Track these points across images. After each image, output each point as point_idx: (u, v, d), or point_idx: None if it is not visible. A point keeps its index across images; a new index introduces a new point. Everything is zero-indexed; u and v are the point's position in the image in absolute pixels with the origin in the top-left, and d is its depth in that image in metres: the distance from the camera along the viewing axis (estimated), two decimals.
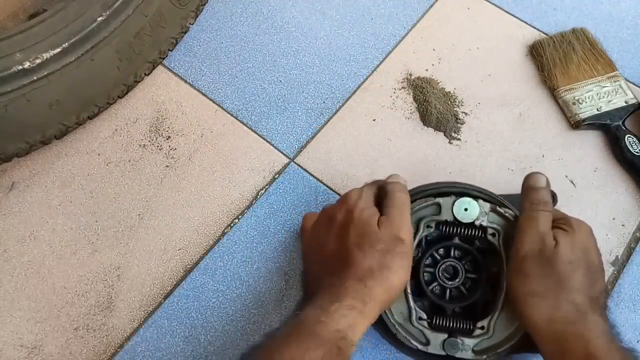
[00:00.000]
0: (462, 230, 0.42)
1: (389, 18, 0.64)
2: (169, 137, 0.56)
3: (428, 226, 0.42)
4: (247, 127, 0.57)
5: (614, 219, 0.51)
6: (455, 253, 0.44)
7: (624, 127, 0.54)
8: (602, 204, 0.52)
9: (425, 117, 0.56)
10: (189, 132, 0.56)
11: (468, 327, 0.41)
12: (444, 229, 0.43)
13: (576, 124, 0.55)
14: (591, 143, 0.55)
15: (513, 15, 0.63)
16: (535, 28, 0.62)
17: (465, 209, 0.41)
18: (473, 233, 0.42)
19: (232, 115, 0.58)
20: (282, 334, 0.37)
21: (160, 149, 0.56)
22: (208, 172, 0.54)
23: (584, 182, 0.53)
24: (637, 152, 0.52)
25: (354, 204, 0.42)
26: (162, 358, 0.46)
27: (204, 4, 0.60)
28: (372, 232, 0.40)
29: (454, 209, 0.42)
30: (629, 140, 0.53)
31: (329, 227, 0.43)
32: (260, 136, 0.56)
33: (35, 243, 0.50)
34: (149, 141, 0.56)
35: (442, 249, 0.44)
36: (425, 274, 0.43)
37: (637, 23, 0.62)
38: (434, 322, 0.41)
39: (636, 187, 0.52)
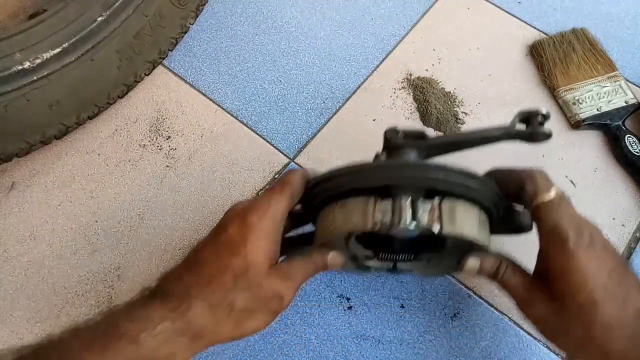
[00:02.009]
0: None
1: (389, 18, 0.64)
2: (169, 137, 0.56)
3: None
4: (247, 127, 0.57)
5: (614, 219, 0.51)
6: None
7: (624, 127, 0.54)
8: (602, 204, 0.52)
9: (425, 117, 0.56)
10: (189, 132, 0.56)
11: (411, 258, 0.41)
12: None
13: (576, 124, 0.55)
14: (591, 143, 0.55)
15: (513, 15, 0.63)
16: (535, 28, 0.62)
17: (403, 232, 0.35)
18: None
19: (232, 115, 0.58)
20: (87, 339, 0.31)
21: (160, 149, 0.56)
22: (208, 172, 0.54)
23: (584, 182, 0.53)
24: (637, 152, 0.52)
25: (267, 227, 0.35)
26: None
27: (204, 4, 0.60)
28: (258, 274, 0.34)
29: (390, 232, 0.35)
30: (629, 140, 0.53)
31: (233, 233, 0.35)
32: (260, 136, 0.56)
33: (35, 243, 0.50)
34: (149, 141, 0.56)
35: None
36: None
37: (637, 23, 0.62)
38: (380, 256, 0.41)
39: (636, 187, 0.52)
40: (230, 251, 0.34)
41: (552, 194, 0.35)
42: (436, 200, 0.35)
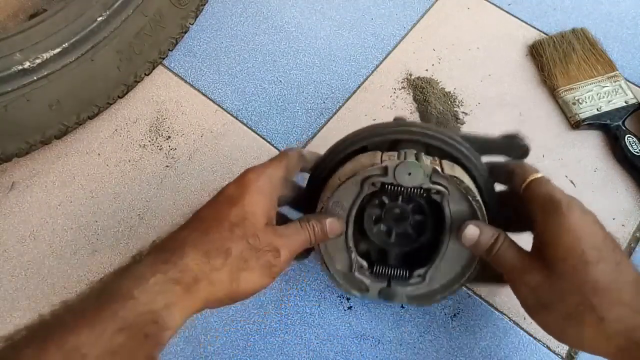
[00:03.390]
0: (405, 190, 0.38)
1: (389, 18, 0.64)
2: (169, 137, 0.56)
3: (373, 184, 0.38)
4: (247, 127, 0.57)
5: (614, 219, 0.51)
6: (402, 198, 0.40)
7: (624, 127, 0.54)
8: (602, 204, 0.51)
9: (425, 117, 0.56)
10: (189, 132, 0.56)
11: (406, 274, 0.41)
12: (388, 188, 0.38)
13: (576, 124, 0.55)
14: (591, 143, 0.55)
15: (513, 15, 0.63)
16: (535, 28, 0.62)
17: (409, 174, 0.36)
18: (416, 193, 0.38)
19: (232, 115, 0.58)
20: (78, 308, 0.29)
21: (160, 149, 0.56)
22: (208, 172, 0.54)
23: (584, 182, 0.53)
24: (637, 152, 0.52)
25: (263, 186, 0.36)
26: (161, 358, 0.46)
27: (204, 4, 0.60)
28: (254, 224, 0.34)
29: (395, 174, 0.36)
30: (629, 140, 0.53)
31: (232, 192, 0.36)
32: (260, 136, 0.56)
33: (35, 243, 0.50)
34: (149, 141, 0.56)
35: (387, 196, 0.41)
36: (371, 215, 0.41)
37: (637, 23, 0.62)
38: (374, 270, 0.42)
39: (636, 187, 0.52)
40: (229, 204, 0.35)
41: (540, 173, 0.37)
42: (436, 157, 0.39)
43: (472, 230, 0.37)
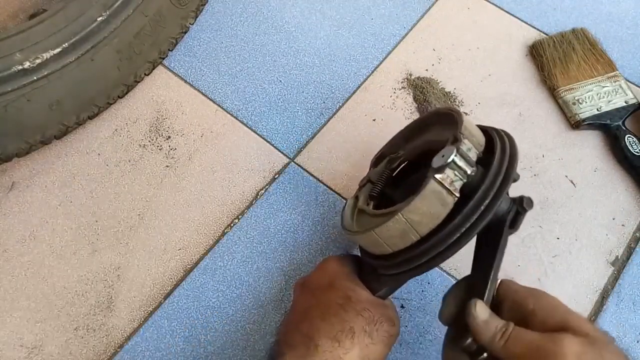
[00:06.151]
0: None
1: (389, 18, 0.64)
2: (169, 137, 0.56)
3: None
4: (247, 127, 0.57)
5: (614, 219, 0.51)
6: None
7: (624, 127, 0.54)
8: (602, 204, 0.52)
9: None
10: (189, 132, 0.56)
11: None
12: None
13: (576, 124, 0.55)
14: (591, 143, 0.55)
15: (513, 15, 0.63)
16: (535, 28, 0.62)
17: None
18: None
19: (232, 115, 0.58)
20: None
21: (160, 149, 0.56)
22: (208, 172, 0.54)
23: (584, 182, 0.53)
24: (637, 152, 0.52)
25: (347, 270, 0.40)
26: (162, 358, 0.46)
27: (204, 4, 0.60)
28: (361, 301, 0.36)
29: None
30: (629, 140, 0.53)
31: (319, 281, 0.40)
32: (260, 136, 0.56)
33: (35, 243, 0.50)
34: (149, 141, 0.56)
35: None
36: None
37: (637, 23, 0.62)
38: None
39: (636, 187, 0.52)
40: (322, 290, 0.38)
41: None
42: None
43: (482, 309, 0.32)
